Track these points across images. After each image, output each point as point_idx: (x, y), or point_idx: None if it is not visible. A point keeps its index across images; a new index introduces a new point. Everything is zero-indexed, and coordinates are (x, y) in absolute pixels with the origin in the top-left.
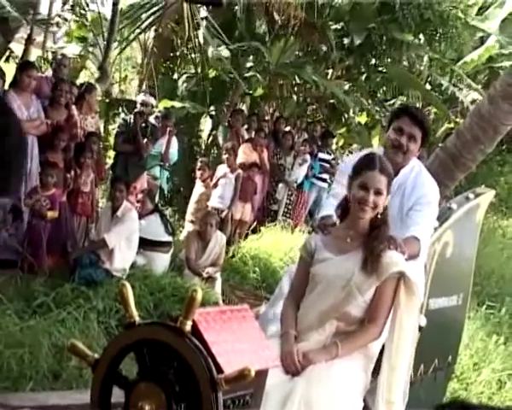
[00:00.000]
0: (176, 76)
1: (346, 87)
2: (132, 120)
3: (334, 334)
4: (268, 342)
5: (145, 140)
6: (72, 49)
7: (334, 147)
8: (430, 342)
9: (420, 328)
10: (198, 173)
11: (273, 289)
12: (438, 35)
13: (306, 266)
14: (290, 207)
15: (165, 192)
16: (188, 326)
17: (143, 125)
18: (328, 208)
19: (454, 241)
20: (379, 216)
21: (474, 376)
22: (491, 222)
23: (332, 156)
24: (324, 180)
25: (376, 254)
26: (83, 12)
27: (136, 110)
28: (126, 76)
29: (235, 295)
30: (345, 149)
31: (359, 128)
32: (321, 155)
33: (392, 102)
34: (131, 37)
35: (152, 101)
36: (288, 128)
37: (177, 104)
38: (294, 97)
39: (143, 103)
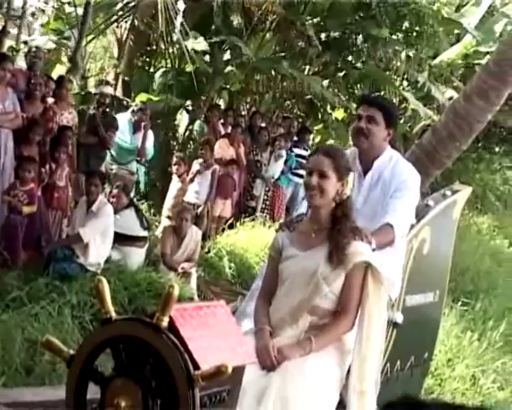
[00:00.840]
0: (152, 70)
1: (324, 83)
2: (92, 112)
3: (308, 328)
4: (245, 338)
5: (108, 132)
6: (47, 42)
7: (310, 143)
8: (407, 339)
9: (396, 325)
10: (174, 168)
11: (249, 285)
12: (414, 32)
13: (275, 263)
14: (268, 202)
15: (142, 187)
16: (164, 322)
17: (102, 116)
18: (304, 206)
19: (431, 238)
20: (339, 209)
21: (448, 372)
22: (466, 219)
23: (309, 152)
24: (301, 176)
25: (341, 247)
26: (59, 3)
27: (95, 102)
28: (103, 68)
29: (210, 290)
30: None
31: (336, 124)
32: (297, 151)
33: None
34: (106, 28)
35: (109, 91)
36: (264, 124)
37: (154, 98)
38: (271, 93)
39: (102, 94)
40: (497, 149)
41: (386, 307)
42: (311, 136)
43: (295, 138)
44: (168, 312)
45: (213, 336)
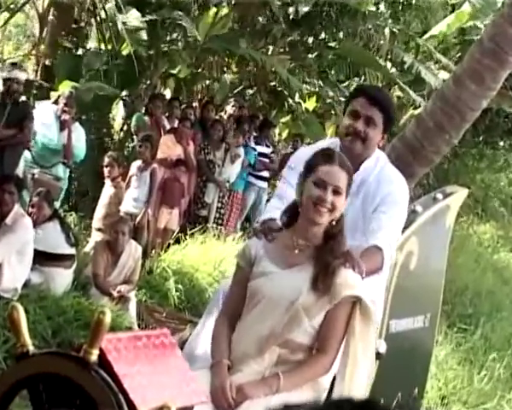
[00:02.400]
0: (80, 52)
1: (291, 66)
2: None
3: (276, 363)
4: (194, 374)
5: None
6: None
7: (276, 139)
8: (391, 373)
9: (379, 355)
10: (106, 171)
11: (199, 311)
12: (400, 3)
13: (244, 277)
14: (222, 211)
15: (69, 195)
16: (93, 356)
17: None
18: (272, 211)
19: (419, 250)
20: (333, 223)
21: None
22: (464, 228)
23: (271, 150)
24: (264, 179)
25: (330, 271)
26: None
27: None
28: (18, 48)
29: (153, 318)
30: (289, 142)
31: (307, 116)
32: (259, 149)
33: (346, 83)
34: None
35: (21, 76)
36: (218, 116)
37: (82, 86)
38: (227, 78)
39: (11, 80)
40: (501, 144)
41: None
42: (276, 130)
43: (255, 134)
44: (98, 343)
45: (154, 371)
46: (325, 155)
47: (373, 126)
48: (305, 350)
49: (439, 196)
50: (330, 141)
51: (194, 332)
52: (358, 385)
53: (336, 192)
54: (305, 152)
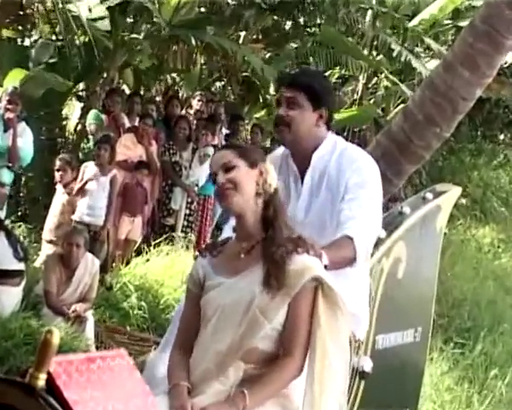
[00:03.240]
0: (28, 42)
1: (265, 55)
2: None
3: (242, 381)
4: (154, 399)
5: None
6: None
7: (249, 136)
8: (379, 394)
9: (364, 374)
10: (57, 175)
11: (165, 331)
12: None
13: (195, 300)
14: (191, 219)
15: (18, 203)
16: (41, 381)
17: None
18: (228, 230)
19: (408, 256)
20: (269, 208)
21: None
22: (461, 231)
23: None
24: None
25: (279, 261)
26: None
27: None
28: None
29: (113, 339)
30: (266, 139)
31: None
32: None
33: (327, 73)
34: None
35: None
36: (184, 112)
37: (30, 81)
38: (195, 70)
39: None
40: (501, 138)
41: (350, 350)
42: (249, 126)
43: (226, 131)
44: (45, 366)
45: (110, 397)
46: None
47: (296, 108)
48: (273, 360)
49: (429, 195)
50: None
51: (156, 353)
52: (331, 388)
53: (227, 169)
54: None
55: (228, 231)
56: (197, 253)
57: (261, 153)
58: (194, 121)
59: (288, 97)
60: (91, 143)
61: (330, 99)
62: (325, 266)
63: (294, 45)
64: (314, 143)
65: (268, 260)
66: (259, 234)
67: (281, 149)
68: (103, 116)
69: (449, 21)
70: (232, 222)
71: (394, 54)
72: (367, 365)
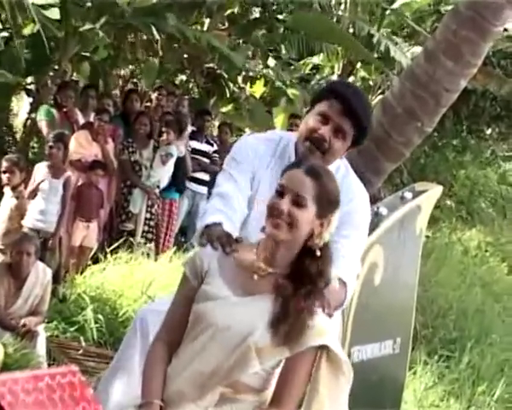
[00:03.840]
0: None
1: (232, 44)
2: None
3: (218, 402)
4: None
5: None
6: None
7: (215, 133)
8: None
9: None
10: (4, 178)
11: None
12: None
13: (191, 294)
14: (152, 223)
15: None
16: None
17: None
18: (215, 214)
19: (385, 261)
20: (314, 261)
21: None
22: (446, 234)
23: (214, 148)
24: (202, 182)
25: (300, 324)
26: None
27: None
28: None
29: (67, 356)
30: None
31: (253, 103)
32: (194, 145)
33: (301, 62)
34: None
35: None
36: (143, 108)
37: None
38: (155, 61)
39: None
40: (488, 132)
41: None
42: (216, 122)
43: (191, 128)
44: None
45: None
46: (294, 162)
47: (341, 138)
48: (254, 391)
49: (408, 195)
50: (282, 134)
51: (109, 369)
52: None
53: (297, 203)
54: (252, 142)
55: (215, 214)
56: (203, 239)
57: (338, 198)
58: (156, 117)
59: (341, 127)
60: (42, 142)
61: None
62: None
63: (261, 32)
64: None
65: (284, 309)
66: (285, 268)
67: (277, 135)
68: (55, 112)
69: (430, 7)
70: (218, 204)
71: (374, 41)
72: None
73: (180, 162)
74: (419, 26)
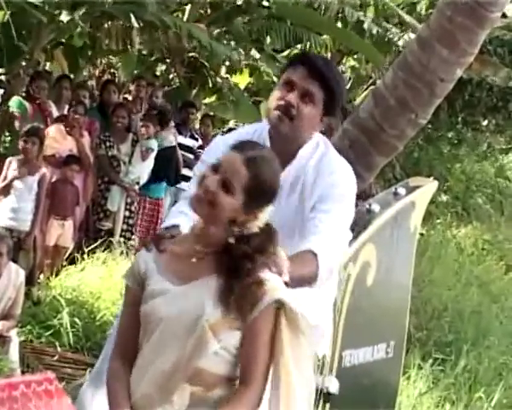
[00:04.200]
0: None
1: (214, 33)
2: None
3: (189, 405)
4: None
5: None
6: None
7: (197, 126)
8: None
9: (329, 396)
10: None
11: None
12: None
13: (135, 300)
14: (131, 221)
15: None
16: None
17: None
18: (176, 216)
19: (378, 260)
20: (238, 246)
21: None
22: (440, 231)
23: (199, 142)
24: (187, 179)
25: (242, 275)
26: None
27: None
28: None
29: (42, 362)
30: (215, 127)
31: (236, 94)
32: (179, 140)
33: (285, 53)
34: None
35: None
36: (122, 99)
37: None
38: (135, 50)
39: None
40: (484, 124)
41: (313, 369)
42: (199, 114)
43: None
44: None
45: None
46: (240, 143)
47: (310, 103)
48: (224, 383)
49: (401, 191)
50: (256, 126)
51: (90, 376)
52: None
53: (225, 186)
54: (222, 142)
55: (176, 216)
56: (138, 244)
57: (268, 197)
58: (134, 109)
59: (307, 90)
60: (14, 136)
61: (339, 111)
62: (285, 284)
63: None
64: (302, 142)
65: (227, 272)
66: (221, 241)
67: (250, 128)
68: (27, 104)
69: None
70: (181, 206)
71: (365, 27)
72: (332, 385)
73: (172, 153)
74: (412, 12)
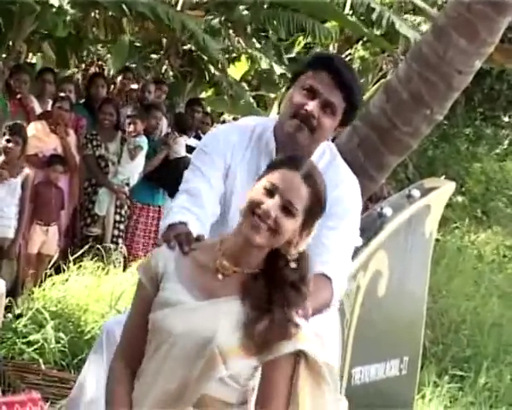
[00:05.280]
0: None
1: (213, 23)
2: None
3: None
4: None
5: None
6: None
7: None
8: None
9: None
10: None
11: None
12: None
13: (147, 302)
14: (122, 226)
15: None
16: None
17: None
18: (181, 212)
19: (390, 269)
20: (290, 257)
21: None
22: (458, 237)
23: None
24: None
25: (279, 323)
26: None
27: None
28: None
29: (24, 380)
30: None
31: (235, 88)
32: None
33: (288, 41)
34: None
35: None
36: (110, 94)
37: None
38: (125, 39)
39: None
40: (505, 120)
41: None
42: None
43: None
44: None
45: None
46: (289, 158)
47: (331, 115)
48: (230, 407)
49: (416, 193)
50: (258, 120)
51: (72, 392)
52: None
53: (286, 210)
54: (223, 131)
55: (181, 213)
56: (161, 239)
57: (322, 211)
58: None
59: (330, 101)
60: None
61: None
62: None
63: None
64: (313, 150)
65: (257, 298)
66: (261, 263)
67: (252, 121)
68: (8, 99)
69: None
70: (184, 201)
71: (374, 17)
72: (341, 405)
73: (182, 163)
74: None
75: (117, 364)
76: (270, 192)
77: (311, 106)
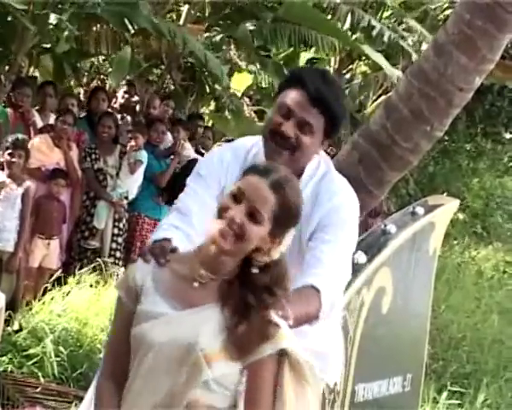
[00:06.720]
0: None
1: (215, 38)
2: None
3: None
4: None
5: None
6: None
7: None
8: None
9: None
10: None
11: (89, 382)
12: None
13: (129, 318)
14: (120, 240)
15: None
16: None
17: None
18: (169, 229)
19: (394, 286)
20: (261, 264)
21: None
22: (458, 253)
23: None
24: None
25: (258, 326)
26: None
27: None
28: None
29: (23, 394)
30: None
31: (237, 104)
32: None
33: (289, 56)
34: None
35: None
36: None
37: None
38: (127, 53)
39: None
40: (506, 136)
41: (324, 405)
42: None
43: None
44: None
45: None
46: (261, 166)
47: (309, 134)
48: None
49: (420, 210)
50: (253, 140)
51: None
52: None
53: (252, 216)
54: (218, 154)
55: (168, 230)
56: (138, 255)
57: (293, 220)
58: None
59: (304, 120)
60: None
61: (342, 128)
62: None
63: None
64: (300, 168)
65: (237, 303)
66: (235, 269)
67: (248, 141)
68: (9, 112)
69: None
70: (174, 219)
71: (374, 34)
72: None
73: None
74: (426, 17)
75: (103, 382)
76: (237, 198)
77: (286, 126)
